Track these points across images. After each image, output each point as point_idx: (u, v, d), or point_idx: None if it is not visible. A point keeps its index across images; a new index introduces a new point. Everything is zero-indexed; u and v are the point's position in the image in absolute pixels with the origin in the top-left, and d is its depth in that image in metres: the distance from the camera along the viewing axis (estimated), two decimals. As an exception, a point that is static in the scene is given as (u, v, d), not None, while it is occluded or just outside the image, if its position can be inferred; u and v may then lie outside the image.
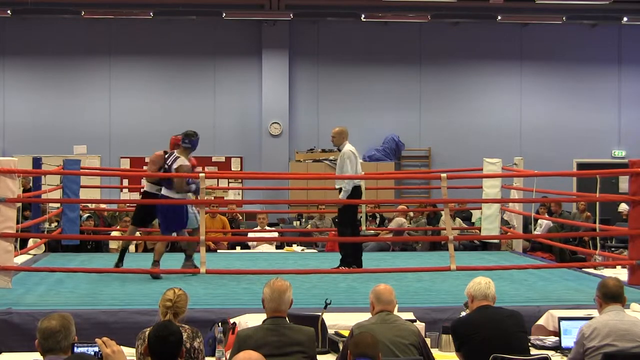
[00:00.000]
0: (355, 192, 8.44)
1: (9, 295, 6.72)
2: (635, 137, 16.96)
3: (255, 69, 16.30)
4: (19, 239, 7.62)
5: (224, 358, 4.69)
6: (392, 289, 4.76)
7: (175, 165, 8.08)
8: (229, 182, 15.88)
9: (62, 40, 16.09)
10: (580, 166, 16.66)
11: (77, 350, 4.18)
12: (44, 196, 9.46)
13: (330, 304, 5.25)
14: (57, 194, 10.21)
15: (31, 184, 10.68)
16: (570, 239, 11.98)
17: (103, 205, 13.15)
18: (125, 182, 14.78)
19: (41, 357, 3.66)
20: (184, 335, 4.08)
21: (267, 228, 11.80)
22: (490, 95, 16.96)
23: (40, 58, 16.10)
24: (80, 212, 10.82)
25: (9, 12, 15.12)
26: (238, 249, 11.45)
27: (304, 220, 14.77)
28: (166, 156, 8.31)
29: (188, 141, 8.15)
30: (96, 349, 3.78)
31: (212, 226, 11.45)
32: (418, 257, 10.29)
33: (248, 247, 11.51)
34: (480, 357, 4.44)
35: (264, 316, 4.44)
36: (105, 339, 3.49)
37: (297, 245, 11.63)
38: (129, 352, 3.95)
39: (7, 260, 6.84)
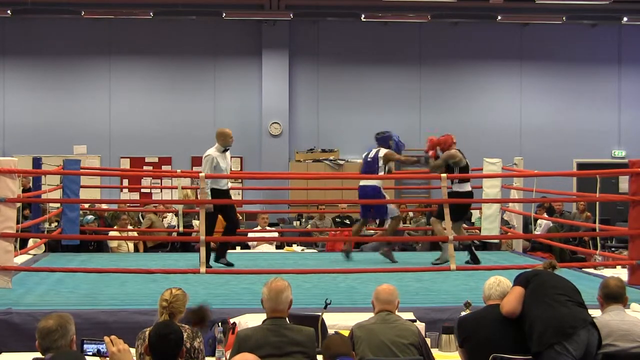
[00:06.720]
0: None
1: (9, 295, 6.71)
2: (635, 137, 16.96)
3: (255, 69, 16.30)
4: (19, 239, 7.62)
5: (224, 358, 4.68)
6: (394, 289, 4.75)
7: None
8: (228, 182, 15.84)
9: (62, 40, 16.10)
10: (580, 166, 16.66)
11: (85, 347, 4.22)
12: (44, 196, 9.45)
13: (330, 304, 5.24)
14: (57, 194, 10.21)
15: (31, 184, 10.67)
16: (570, 239, 11.98)
17: (104, 206, 13.14)
18: (125, 182, 14.79)
19: (41, 357, 3.69)
20: (184, 335, 4.07)
21: (267, 228, 11.80)
22: (490, 95, 16.95)
23: (40, 58, 16.10)
24: (81, 212, 10.80)
25: (9, 12, 15.13)
26: (238, 249, 11.43)
27: (304, 220, 14.77)
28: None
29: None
30: (103, 346, 3.80)
31: (212, 226, 11.44)
32: (418, 257, 10.28)
33: (248, 247, 11.50)
34: (482, 355, 4.43)
35: (264, 316, 4.44)
36: (113, 337, 3.51)
37: (297, 245, 11.63)
38: (129, 352, 3.95)
39: (7, 260, 6.84)
